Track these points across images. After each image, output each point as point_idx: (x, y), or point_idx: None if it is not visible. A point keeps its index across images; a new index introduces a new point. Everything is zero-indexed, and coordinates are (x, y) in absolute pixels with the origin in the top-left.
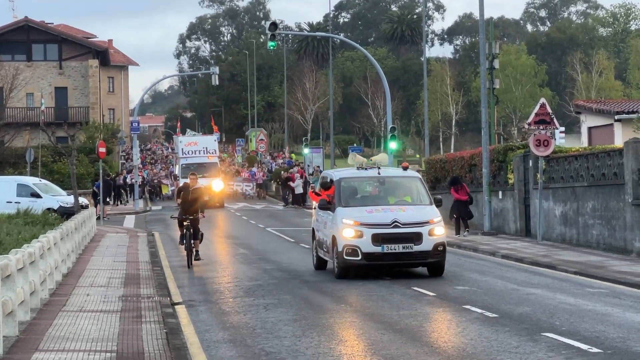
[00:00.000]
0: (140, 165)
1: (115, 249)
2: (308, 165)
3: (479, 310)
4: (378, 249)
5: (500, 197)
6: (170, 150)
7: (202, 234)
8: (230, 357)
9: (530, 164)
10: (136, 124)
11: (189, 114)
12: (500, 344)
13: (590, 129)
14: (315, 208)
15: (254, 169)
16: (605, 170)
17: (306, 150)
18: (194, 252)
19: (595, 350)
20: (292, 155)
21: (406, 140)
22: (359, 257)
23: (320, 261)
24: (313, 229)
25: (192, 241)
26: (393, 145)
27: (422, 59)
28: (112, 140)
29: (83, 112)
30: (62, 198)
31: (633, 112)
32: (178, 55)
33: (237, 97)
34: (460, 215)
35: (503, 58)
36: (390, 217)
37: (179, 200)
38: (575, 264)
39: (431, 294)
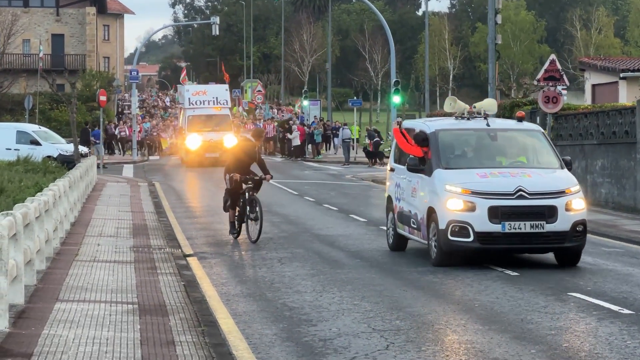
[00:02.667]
0: (140, 118)
1: (119, 199)
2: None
3: (499, 269)
4: (497, 228)
5: None
6: (169, 100)
7: (258, 201)
8: (252, 311)
9: (538, 120)
10: (135, 72)
11: (183, 64)
12: (527, 303)
13: (594, 86)
14: (390, 169)
15: (259, 123)
16: (616, 128)
17: (305, 103)
18: (256, 229)
19: (626, 311)
20: (299, 107)
21: (405, 95)
22: (470, 238)
23: (399, 240)
24: (389, 196)
25: (249, 213)
26: (397, 99)
27: (420, 13)
28: (109, 89)
29: (80, 60)
30: (61, 146)
31: (638, 70)
32: (173, 5)
33: (233, 48)
34: None
35: (502, 13)
36: (512, 183)
37: (230, 162)
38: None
39: None
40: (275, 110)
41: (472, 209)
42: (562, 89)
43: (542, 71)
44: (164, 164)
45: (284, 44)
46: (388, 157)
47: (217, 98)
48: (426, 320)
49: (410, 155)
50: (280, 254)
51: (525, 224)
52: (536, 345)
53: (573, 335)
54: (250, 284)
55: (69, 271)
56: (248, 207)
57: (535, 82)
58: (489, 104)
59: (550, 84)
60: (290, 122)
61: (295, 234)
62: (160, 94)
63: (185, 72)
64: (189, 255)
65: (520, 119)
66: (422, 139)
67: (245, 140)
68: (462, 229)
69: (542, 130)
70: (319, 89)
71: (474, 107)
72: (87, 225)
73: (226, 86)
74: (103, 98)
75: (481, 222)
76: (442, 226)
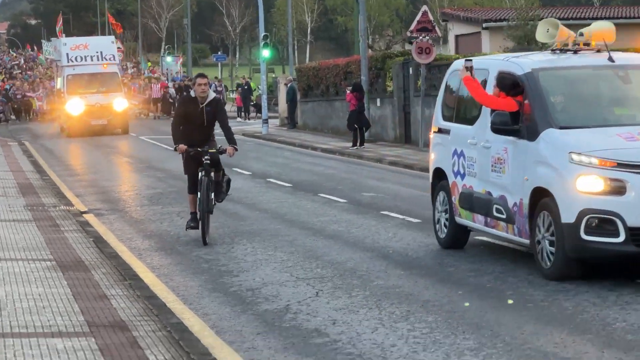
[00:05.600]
0: None
1: None
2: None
3: (400, 216)
4: None
5: (378, 104)
6: (22, 60)
7: (228, 178)
8: (169, 264)
9: (411, 71)
10: None
11: (33, 21)
12: (438, 247)
13: (457, 37)
14: (437, 130)
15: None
16: None
17: (169, 59)
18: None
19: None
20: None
21: (274, 49)
22: (620, 238)
23: (457, 233)
24: (438, 170)
25: (211, 194)
26: (266, 53)
27: None
28: None
29: None
30: None
31: (501, 20)
32: None
33: (86, 4)
34: (361, 126)
35: None
36: None
37: (178, 122)
38: None
39: (341, 200)
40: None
41: (621, 190)
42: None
43: (415, 23)
44: (37, 129)
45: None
46: (257, 111)
47: (101, 53)
48: (347, 267)
49: (497, 111)
50: (177, 208)
51: None
52: (462, 286)
53: (493, 275)
54: (157, 238)
55: None
56: (199, 194)
57: (408, 34)
58: (606, 29)
59: (423, 34)
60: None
61: (184, 188)
62: (16, 54)
63: (61, 22)
64: (85, 213)
65: None
66: (509, 85)
67: (189, 99)
68: (605, 223)
69: None
70: (177, 44)
71: (581, 34)
72: None
73: (112, 38)
74: None
75: (638, 213)
76: (568, 219)
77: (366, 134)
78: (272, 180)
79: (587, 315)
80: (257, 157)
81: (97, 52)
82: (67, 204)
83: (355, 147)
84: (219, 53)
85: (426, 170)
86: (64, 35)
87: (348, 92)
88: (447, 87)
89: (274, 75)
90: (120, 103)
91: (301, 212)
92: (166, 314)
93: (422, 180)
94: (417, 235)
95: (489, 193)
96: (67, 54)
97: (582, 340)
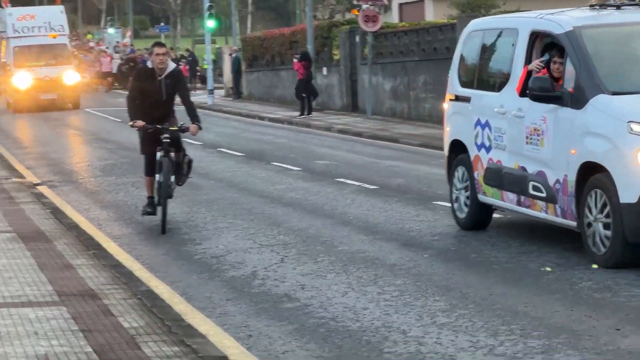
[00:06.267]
0: None
1: None
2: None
3: (356, 183)
4: None
5: (325, 73)
6: None
7: (189, 159)
8: (130, 234)
9: (357, 39)
10: None
11: None
12: (399, 213)
13: (401, 5)
14: (454, 98)
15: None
16: (437, 44)
17: (111, 30)
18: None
19: (495, 215)
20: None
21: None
22: None
23: (480, 213)
24: (456, 142)
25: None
26: (211, 23)
27: None
28: None
29: None
30: None
31: None
32: None
33: None
34: (309, 95)
35: None
36: None
37: (134, 97)
38: (416, 137)
39: (295, 168)
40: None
41: None
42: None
43: None
44: None
45: None
46: (202, 82)
47: (49, 23)
48: (309, 234)
49: (536, 76)
50: (131, 179)
51: None
52: (426, 250)
53: (457, 240)
54: (114, 208)
55: None
56: (157, 176)
57: (355, 1)
58: None
59: (370, 2)
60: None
61: (136, 159)
62: None
63: None
64: (38, 185)
65: None
66: (545, 46)
67: (146, 72)
68: None
69: None
70: (117, 16)
71: None
72: None
73: (61, 7)
74: None
75: None
76: (628, 198)
77: (313, 103)
78: (223, 150)
79: (553, 275)
80: (206, 128)
81: (45, 23)
82: (18, 176)
83: (303, 116)
84: (161, 24)
85: (375, 138)
86: (9, 5)
87: (296, 61)
88: (465, 51)
89: (217, 46)
90: (71, 76)
91: (256, 181)
92: (134, 282)
93: (373, 148)
94: (376, 201)
95: (523, 168)
96: (13, 25)
97: (550, 299)
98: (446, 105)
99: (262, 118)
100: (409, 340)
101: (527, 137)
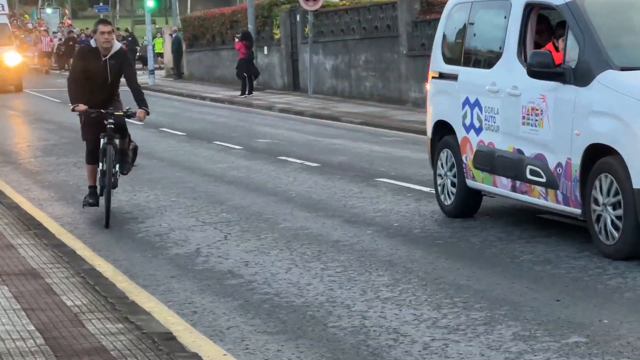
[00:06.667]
0: None
1: None
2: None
3: (298, 161)
4: None
5: (266, 52)
6: None
7: (135, 146)
8: (71, 213)
9: (298, 18)
10: None
11: None
12: (341, 190)
13: None
14: (437, 75)
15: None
16: (377, 23)
17: (49, 11)
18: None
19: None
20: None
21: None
22: None
23: (468, 199)
24: (440, 123)
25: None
26: (151, 3)
27: None
28: None
29: None
30: None
31: None
32: None
33: None
34: (250, 74)
35: None
36: None
37: (76, 78)
38: (357, 115)
39: (237, 147)
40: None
41: None
42: None
43: None
44: None
45: None
46: (142, 63)
47: None
48: (252, 211)
49: (535, 50)
50: (72, 159)
51: None
52: (370, 226)
53: (400, 216)
54: (56, 188)
55: None
56: (100, 165)
57: None
58: None
59: None
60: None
61: (77, 139)
62: None
63: None
64: None
65: None
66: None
67: (89, 51)
68: None
69: None
70: None
71: None
72: None
73: None
74: None
75: None
76: None
77: (255, 82)
78: (165, 129)
79: (495, 249)
80: (136, 104)
81: None
82: None
83: (244, 96)
84: (100, 4)
85: (317, 116)
86: None
87: (237, 40)
88: (449, 25)
89: (156, 26)
90: (12, 57)
91: (199, 160)
92: (77, 261)
93: (314, 126)
94: (318, 178)
95: (520, 151)
96: None
97: (492, 272)
98: (429, 85)
99: (203, 98)
100: (353, 314)
101: (523, 118)
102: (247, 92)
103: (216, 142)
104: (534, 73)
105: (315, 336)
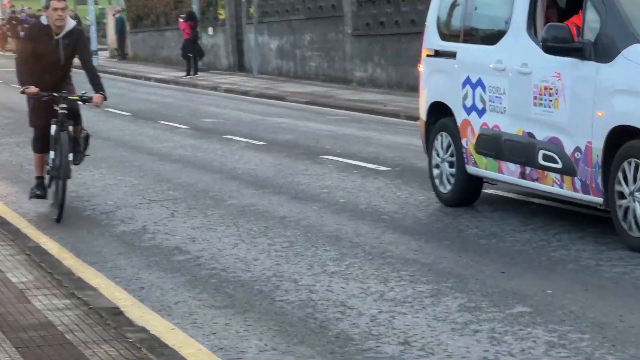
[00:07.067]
0: None
1: None
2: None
3: (244, 139)
4: None
5: (210, 33)
6: None
7: (87, 135)
8: (15, 192)
9: None
10: None
11: None
12: (287, 168)
13: None
14: (433, 53)
15: None
16: (322, 3)
17: None
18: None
19: (383, 168)
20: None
21: None
22: None
23: (468, 186)
24: (436, 104)
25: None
26: None
27: None
28: None
29: None
30: None
31: None
32: None
33: None
34: (195, 55)
35: None
36: None
37: (26, 59)
38: (303, 95)
39: (183, 126)
40: None
41: None
42: None
43: None
44: None
45: None
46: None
47: None
48: (198, 189)
49: (550, 23)
50: (15, 139)
51: None
52: (316, 202)
53: (345, 192)
54: None
55: None
56: (52, 153)
57: None
58: None
59: None
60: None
61: (20, 119)
62: None
63: None
64: None
65: None
66: None
67: (41, 29)
68: None
69: None
70: None
71: None
72: None
73: None
74: None
75: None
76: None
77: (200, 63)
78: (110, 109)
79: (441, 224)
80: (91, 88)
81: None
82: None
83: (190, 76)
84: None
85: (262, 96)
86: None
87: (181, 21)
88: None
89: (100, 7)
90: None
91: (144, 139)
92: (22, 238)
93: (260, 106)
94: (264, 156)
95: (530, 135)
96: None
97: (439, 246)
98: (422, 65)
99: (148, 78)
100: (301, 288)
101: (535, 98)
102: (192, 73)
103: (162, 122)
104: (549, 48)
105: (263, 310)
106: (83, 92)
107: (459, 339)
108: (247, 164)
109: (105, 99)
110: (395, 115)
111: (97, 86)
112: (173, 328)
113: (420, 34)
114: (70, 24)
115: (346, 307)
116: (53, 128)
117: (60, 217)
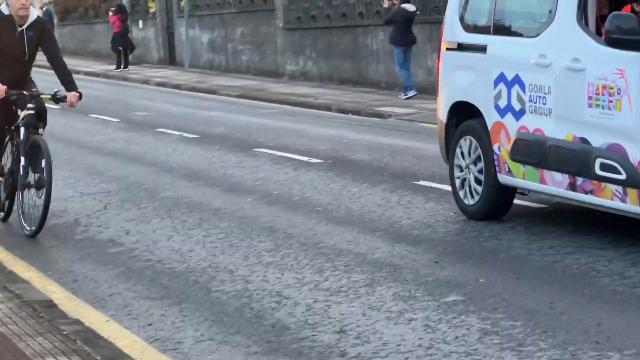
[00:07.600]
0: None
1: None
2: None
3: (177, 132)
4: None
5: (140, 26)
6: None
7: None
8: None
9: None
10: None
11: None
12: (220, 160)
13: None
14: (455, 47)
15: None
16: None
17: None
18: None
19: (315, 160)
20: None
21: None
22: None
23: (498, 198)
24: (458, 106)
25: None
26: None
27: None
28: None
29: None
30: None
31: None
32: None
33: None
34: (126, 48)
35: None
36: None
37: None
38: (234, 89)
39: (114, 119)
40: None
41: None
42: None
43: None
44: None
45: None
46: None
47: None
48: (131, 182)
49: (614, 12)
50: None
51: None
52: (250, 194)
53: (279, 184)
54: None
55: None
56: (23, 159)
57: None
58: None
59: None
60: None
61: None
62: None
63: None
64: None
65: None
66: None
67: (2, 18)
68: None
69: None
70: None
71: None
72: None
73: None
74: None
75: None
76: None
77: (130, 56)
78: (56, 107)
79: (374, 215)
80: (63, 86)
81: None
82: None
83: (120, 70)
84: None
85: (194, 90)
86: None
87: (111, 14)
88: None
89: None
90: None
91: (75, 132)
92: None
93: (192, 100)
94: (197, 149)
95: (583, 140)
96: None
97: (372, 237)
98: (441, 60)
99: (77, 72)
100: (236, 279)
101: (590, 98)
102: (122, 66)
103: (92, 115)
104: (613, 41)
105: (198, 300)
106: (56, 89)
107: (394, 327)
108: (181, 156)
109: (80, 97)
110: (327, 108)
111: (70, 84)
112: (108, 320)
113: (350, 27)
114: (34, 14)
115: (282, 296)
116: (22, 131)
117: (38, 232)
